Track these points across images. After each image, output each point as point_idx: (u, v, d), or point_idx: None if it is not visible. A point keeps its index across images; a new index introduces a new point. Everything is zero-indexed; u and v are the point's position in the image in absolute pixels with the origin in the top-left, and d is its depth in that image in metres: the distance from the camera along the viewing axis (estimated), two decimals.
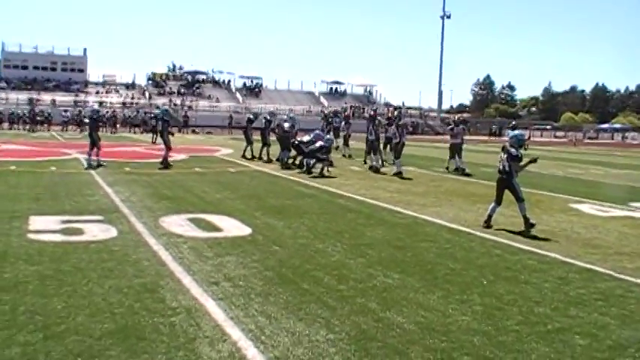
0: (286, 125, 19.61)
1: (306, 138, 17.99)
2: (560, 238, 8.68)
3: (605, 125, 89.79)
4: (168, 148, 17.57)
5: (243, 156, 21.43)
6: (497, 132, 66.32)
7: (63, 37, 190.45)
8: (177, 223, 8.66)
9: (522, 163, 9.17)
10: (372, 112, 20.96)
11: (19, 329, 4.42)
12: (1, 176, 13.66)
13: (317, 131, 19.63)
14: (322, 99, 77.49)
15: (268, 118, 21.78)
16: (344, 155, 23.73)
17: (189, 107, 62.23)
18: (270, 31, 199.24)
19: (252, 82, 78.88)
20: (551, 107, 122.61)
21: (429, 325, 4.85)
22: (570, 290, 6.01)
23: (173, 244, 7.37)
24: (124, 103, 62.29)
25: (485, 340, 4.58)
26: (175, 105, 60.32)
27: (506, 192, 9.22)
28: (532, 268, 6.88)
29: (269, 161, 20.07)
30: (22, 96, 58.67)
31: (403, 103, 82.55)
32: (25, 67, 69.18)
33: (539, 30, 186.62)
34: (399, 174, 16.87)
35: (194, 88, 73.68)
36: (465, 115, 65.19)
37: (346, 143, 25.18)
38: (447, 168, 19.36)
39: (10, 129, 42.83)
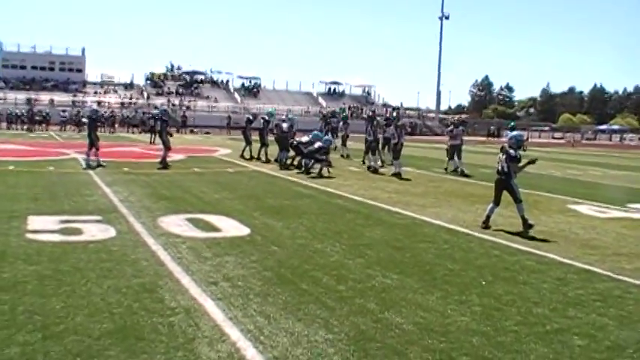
0: (285, 126, 19.62)
1: (304, 139, 18.00)
2: (559, 238, 8.70)
3: (604, 126, 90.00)
4: (168, 148, 17.55)
5: (242, 156, 21.42)
6: (496, 133, 66.34)
7: (61, 37, 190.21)
8: (176, 223, 8.65)
9: (521, 164, 9.18)
10: (370, 113, 20.98)
11: (18, 329, 4.42)
12: None
13: (315, 131, 19.64)
14: (320, 99, 77.47)
15: (266, 118, 21.78)
16: (342, 156, 23.74)
17: (188, 107, 62.20)
18: (268, 32, 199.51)
19: (250, 82, 78.83)
20: (550, 108, 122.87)
21: (428, 326, 4.86)
22: (569, 291, 6.02)
23: (172, 244, 7.37)
24: (122, 103, 62.22)
25: (484, 341, 4.59)
26: (174, 105, 60.24)
27: (505, 193, 9.23)
28: (530, 268, 6.89)
29: (267, 161, 20.07)
30: (20, 96, 58.56)
31: (401, 104, 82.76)
32: (23, 67, 69.10)
33: (537, 31, 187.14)
34: (397, 174, 16.89)
35: (192, 89, 73.63)
36: (463, 115, 65.33)
37: (344, 143, 25.20)
38: (446, 169, 19.37)
39: (9, 129, 42.75)
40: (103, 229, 8.05)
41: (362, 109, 68.17)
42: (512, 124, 31.80)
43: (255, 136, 21.57)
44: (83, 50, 74.17)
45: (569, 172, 21.92)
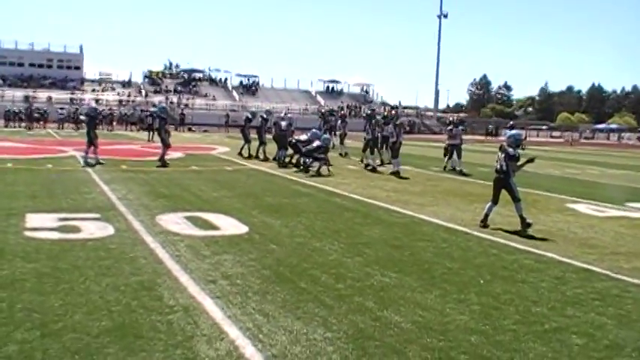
0: (283, 124, 19.62)
1: (303, 137, 17.99)
2: (557, 237, 8.71)
3: (602, 125, 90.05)
4: (167, 146, 17.52)
5: (240, 154, 21.41)
6: (494, 132, 66.39)
7: (59, 35, 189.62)
8: (174, 221, 8.65)
9: (520, 163, 9.19)
10: (369, 111, 20.97)
11: (16, 327, 4.41)
12: None
13: (314, 130, 19.63)
14: (319, 98, 77.50)
15: (265, 116, 21.76)
16: (340, 154, 23.73)
17: (186, 105, 62.16)
18: (266, 30, 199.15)
19: (248, 80, 78.88)
20: (548, 107, 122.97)
21: (427, 324, 4.86)
22: (567, 290, 6.03)
23: (170, 242, 7.37)
24: (120, 101, 62.18)
25: (482, 340, 4.59)
26: (172, 103, 60.23)
27: (503, 192, 9.23)
28: (529, 267, 6.89)
29: (265, 160, 20.06)
30: (18, 93, 58.47)
31: (400, 103, 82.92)
32: (21, 65, 69.05)
33: (535, 30, 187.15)
34: (396, 173, 16.90)
35: (190, 86, 73.60)
36: (462, 114, 65.31)
37: (342, 142, 25.18)
38: (445, 167, 19.37)
39: (7, 126, 42.66)
40: (101, 227, 8.04)
41: (360, 108, 68.17)
42: (510, 123, 31.83)
43: (253, 135, 21.56)
44: (81, 48, 74.24)
45: (568, 171, 21.94)
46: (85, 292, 5.32)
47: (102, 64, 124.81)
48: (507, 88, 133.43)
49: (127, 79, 73.00)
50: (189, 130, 48.95)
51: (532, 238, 8.57)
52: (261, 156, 20.65)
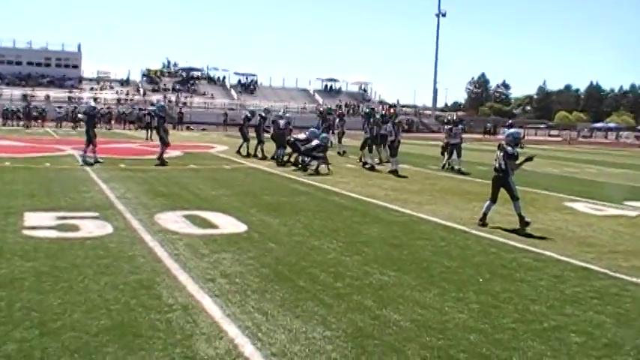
0: (282, 123, 19.61)
1: (301, 136, 17.99)
2: (556, 236, 8.71)
3: (600, 124, 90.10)
4: (165, 144, 17.50)
5: (238, 152, 21.40)
6: (492, 130, 66.40)
7: (57, 33, 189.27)
8: (173, 220, 8.64)
9: (518, 162, 9.19)
10: (368, 110, 20.95)
11: (15, 325, 4.41)
12: None
13: (312, 128, 19.62)
14: (317, 96, 77.45)
15: (263, 115, 21.76)
16: (339, 153, 23.73)
17: (184, 104, 62.11)
18: (265, 28, 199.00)
19: (247, 79, 78.83)
20: (546, 106, 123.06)
21: (426, 323, 4.86)
22: (566, 288, 6.04)
23: (169, 240, 7.36)
24: (118, 100, 62.13)
25: (481, 338, 4.60)
26: (170, 102, 60.19)
27: (502, 190, 9.24)
28: (527, 266, 6.90)
29: (263, 158, 20.05)
30: (16, 92, 58.41)
31: (398, 101, 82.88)
32: (19, 63, 68.95)
33: (534, 29, 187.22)
34: (394, 172, 16.90)
35: (189, 85, 73.56)
36: (460, 113, 65.24)
37: (340, 140, 25.18)
38: (443, 166, 19.37)
39: (5, 125, 42.59)
40: (100, 226, 8.04)
41: (358, 106, 68.14)
42: (509, 121, 31.82)
43: (252, 133, 21.55)
44: (79, 46, 74.20)
45: (566, 169, 21.96)
46: (83, 290, 5.31)
47: (100, 62, 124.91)
48: (505, 86, 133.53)
49: (125, 78, 72.95)
50: (188, 128, 48.92)
51: (530, 236, 8.57)
52: (259, 154, 20.64)
